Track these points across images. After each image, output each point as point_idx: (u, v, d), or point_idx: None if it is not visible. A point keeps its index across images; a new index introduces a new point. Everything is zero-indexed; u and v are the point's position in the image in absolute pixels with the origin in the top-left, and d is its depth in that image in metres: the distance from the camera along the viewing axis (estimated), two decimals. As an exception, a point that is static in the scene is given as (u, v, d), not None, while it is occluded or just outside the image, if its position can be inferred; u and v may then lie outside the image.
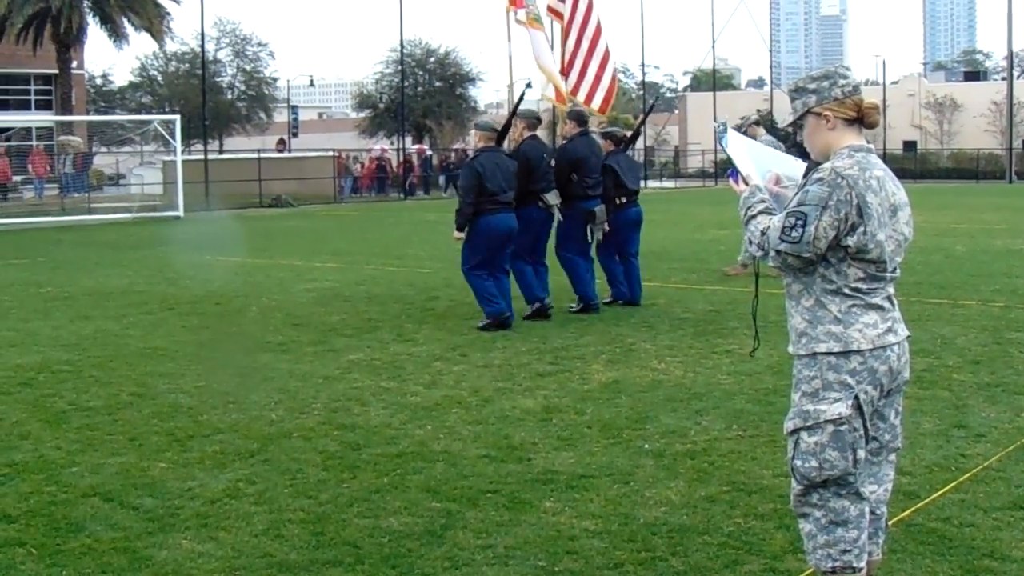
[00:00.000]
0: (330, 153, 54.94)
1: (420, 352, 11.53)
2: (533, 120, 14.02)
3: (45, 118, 59.76)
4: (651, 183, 69.23)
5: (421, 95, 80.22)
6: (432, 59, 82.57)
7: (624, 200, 14.53)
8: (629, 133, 16.14)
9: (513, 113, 13.96)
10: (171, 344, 12.32)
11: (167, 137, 43.65)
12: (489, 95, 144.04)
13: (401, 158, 58.94)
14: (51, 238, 30.20)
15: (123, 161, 61.01)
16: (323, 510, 6.58)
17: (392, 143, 74.04)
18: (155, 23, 58.77)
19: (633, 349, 11.42)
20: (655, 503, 6.58)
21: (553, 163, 13.89)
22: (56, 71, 58.62)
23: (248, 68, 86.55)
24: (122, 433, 8.47)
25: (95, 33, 59.13)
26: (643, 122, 17.88)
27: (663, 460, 7.46)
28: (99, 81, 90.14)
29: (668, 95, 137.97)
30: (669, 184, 71.14)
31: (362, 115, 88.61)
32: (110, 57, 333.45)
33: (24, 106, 63.54)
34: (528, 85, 15.84)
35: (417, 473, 7.29)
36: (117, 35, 58.82)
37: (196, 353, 11.78)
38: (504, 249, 13.09)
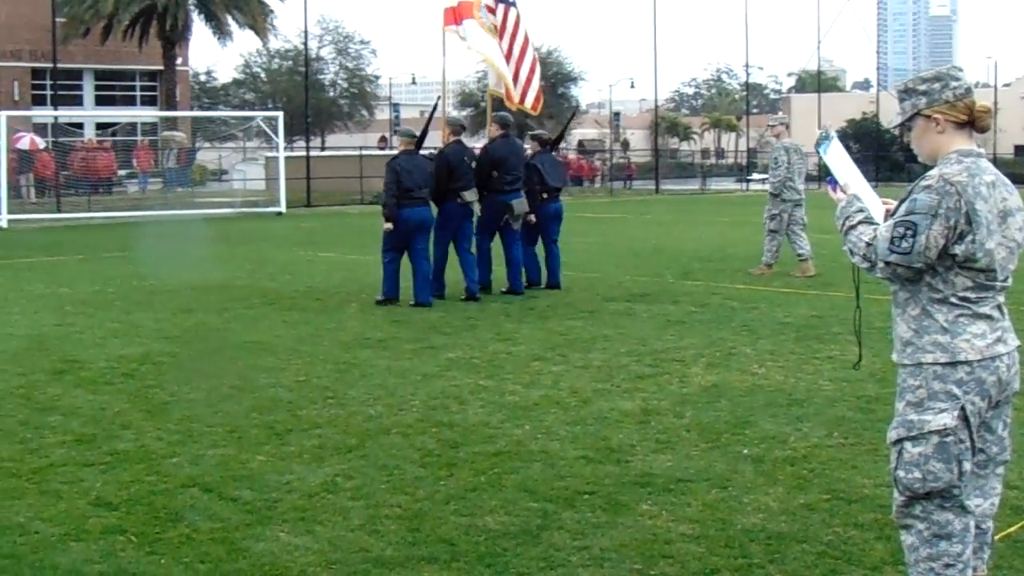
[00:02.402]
0: (432, 151, 55.07)
1: (519, 351, 11.53)
2: (457, 127, 16.28)
3: (150, 114, 60.60)
4: (754, 186, 68.71)
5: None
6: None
7: (546, 196, 16.62)
8: (554, 137, 18.48)
9: (429, 121, 16.61)
10: (271, 338, 12.43)
11: (270, 133, 44.07)
12: (591, 94, 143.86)
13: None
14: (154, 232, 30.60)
15: (226, 157, 61.61)
16: (420, 507, 6.59)
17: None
18: (259, 20, 59.39)
19: (733, 353, 11.33)
20: (753, 509, 6.52)
21: (474, 164, 15.88)
22: (161, 67, 59.43)
23: (350, 66, 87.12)
24: (222, 425, 8.56)
25: (200, 30, 59.94)
26: (567, 128, 20.07)
27: (762, 466, 7.39)
28: (203, 77, 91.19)
29: (772, 96, 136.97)
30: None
31: (464, 113, 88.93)
32: (214, 54, 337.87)
33: (129, 102, 64.50)
34: (438, 100, 18.87)
35: (514, 472, 7.28)
36: (221, 32, 59.54)
37: (296, 348, 11.87)
38: (420, 237, 15.16)
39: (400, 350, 11.65)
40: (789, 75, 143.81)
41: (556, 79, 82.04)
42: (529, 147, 17.35)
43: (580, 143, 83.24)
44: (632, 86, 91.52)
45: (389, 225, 15.03)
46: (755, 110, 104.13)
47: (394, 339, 12.30)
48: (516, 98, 18.59)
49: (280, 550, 5.92)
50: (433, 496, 6.80)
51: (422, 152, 16.22)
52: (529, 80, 18.80)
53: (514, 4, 18.53)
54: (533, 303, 14.93)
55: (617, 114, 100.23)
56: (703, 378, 10.12)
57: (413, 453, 7.76)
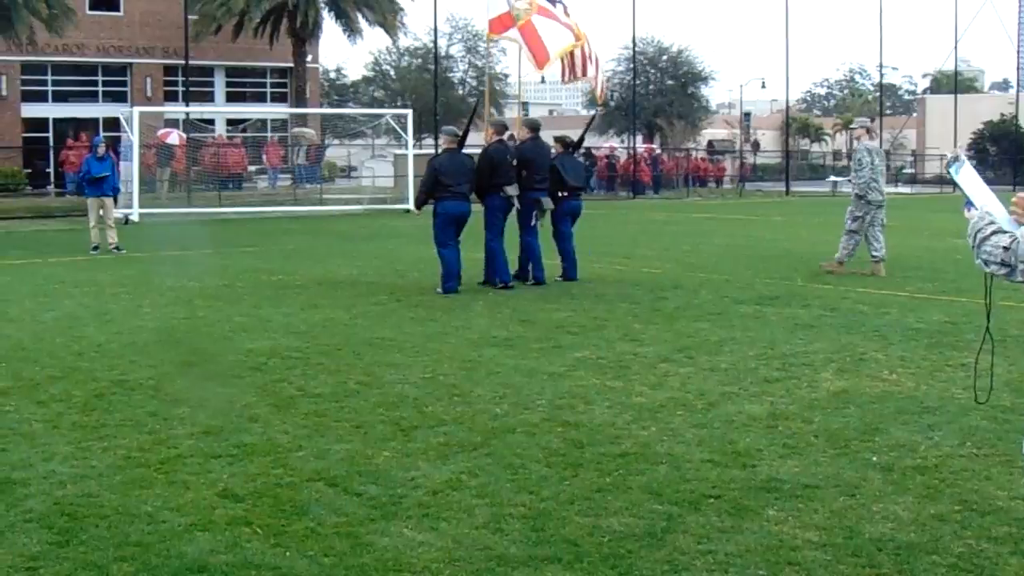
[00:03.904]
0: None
1: (646, 352, 11.46)
2: (500, 127, 17.91)
3: (280, 110, 61.28)
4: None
5: (652, 93, 79.88)
6: (664, 57, 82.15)
7: (565, 194, 17.81)
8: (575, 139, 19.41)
9: (470, 122, 18.16)
10: (398, 335, 12.50)
11: (399, 131, 44.41)
12: (721, 94, 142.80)
13: (631, 156, 58.90)
14: (283, 227, 31.03)
15: (355, 154, 62.29)
16: (544, 506, 6.57)
17: (622, 141, 73.95)
18: (389, 18, 59.69)
19: (864, 358, 11.15)
20: (881, 518, 6.40)
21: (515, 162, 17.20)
22: (291, 65, 59.99)
23: (480, 64, 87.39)
24: (348, 420, 8.62)
25: (330, 27, 60.20)
26: (587, 130, 20.17)
27: (891, 474, 7.26)
28: (333, 75, 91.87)
29: (906, 97, 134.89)
30: (906, 190, 69.09)
31: (593, 112, 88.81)
32: (344, 51, 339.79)
33: (260, 98, 65.21)
34: (479, 101, 20.70)
35: (639, 474, 7.23)
36: (351, 30, 59.93)
37: (423, 345, 11.92)
38: (457, 228, 16.55)
39: (527, 349, 11.65)
40: (924, 76, 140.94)
41: (686, 79, 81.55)
42: (554, 148, 18.36)
43: (710, 143, 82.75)
44: (763, 86, 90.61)
45: (417, 211, 17.46)
46: (889, 111, 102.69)
47: (521, 338, 12.30)
48: (587, 86, 20.80)
49: (404, 546, 5.94)
50: (557, 496, 6.78)
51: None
52: (595, 77, 20.91)
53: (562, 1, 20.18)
54: (661, 304, 14.84)
55: (747, 114, 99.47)
56: (832, 383, 9.98)
57: (538, 452, 7.74)
